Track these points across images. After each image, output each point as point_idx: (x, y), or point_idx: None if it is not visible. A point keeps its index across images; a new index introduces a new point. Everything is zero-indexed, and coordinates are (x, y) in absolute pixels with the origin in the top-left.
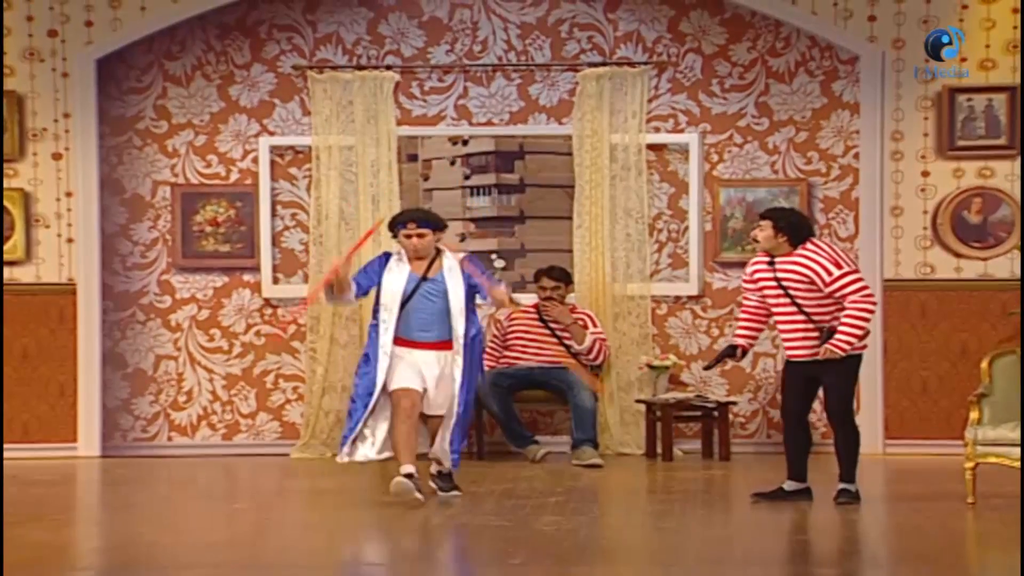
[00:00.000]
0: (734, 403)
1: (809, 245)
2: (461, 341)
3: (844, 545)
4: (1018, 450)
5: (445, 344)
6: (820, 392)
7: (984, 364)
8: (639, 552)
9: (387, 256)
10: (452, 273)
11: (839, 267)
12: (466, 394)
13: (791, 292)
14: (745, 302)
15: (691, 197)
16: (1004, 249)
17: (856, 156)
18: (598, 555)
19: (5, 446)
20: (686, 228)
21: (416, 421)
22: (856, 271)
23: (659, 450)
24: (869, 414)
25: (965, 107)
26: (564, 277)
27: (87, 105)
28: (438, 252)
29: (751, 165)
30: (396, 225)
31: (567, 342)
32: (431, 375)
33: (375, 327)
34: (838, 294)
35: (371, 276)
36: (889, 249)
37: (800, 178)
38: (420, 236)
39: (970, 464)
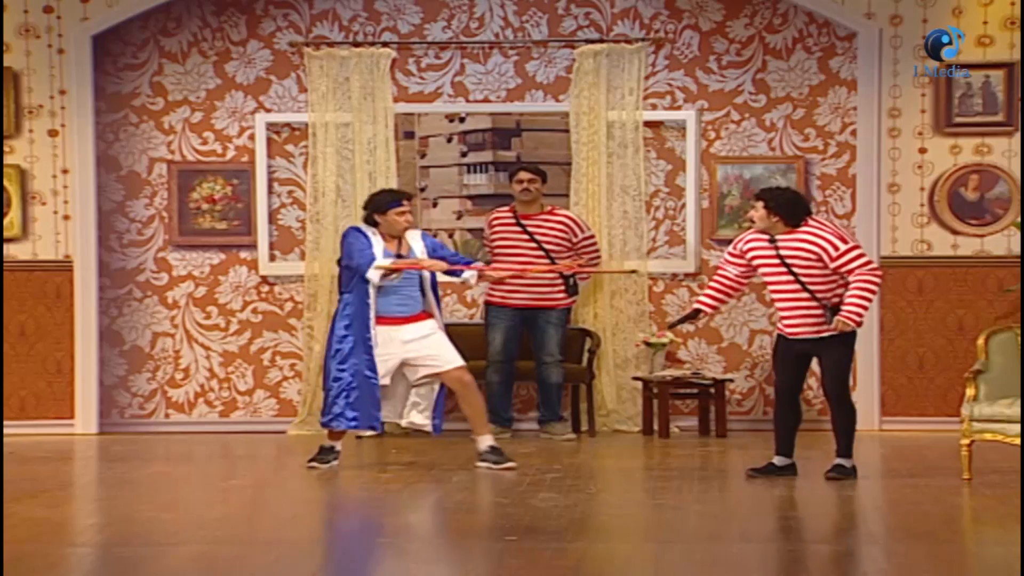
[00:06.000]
0: (731, 380)
1: (811, 223)
2: (436, 309)
3: (840, 521)
4: (1013, 426)
5: (423, 315)
6: (817, 369)
7: (980, 341)
8: (636, 528)
9: (362, 233)
10: (417, 245)
11: (844, 242)
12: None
13: (795, 270)
14: (721, 271)
15: (688, 174)
16: (1001, 226)
17: (853, 133)
18: (595, 531)
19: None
20: (683, 205)
21: None
22: (860, 246)
23: (656, 427)
24: (865, 391)
25: (962, 84)
26: (540, 173)
27: (83, 82)
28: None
29: (748, 142)
30: (390, 204)
31: (547, 247)
32: (413, 340)
33: (357, 301)
34: (843, 269)
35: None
36: (886, 226)
37: (797, 155)
38: (410, 212)
39: (966, 441)
